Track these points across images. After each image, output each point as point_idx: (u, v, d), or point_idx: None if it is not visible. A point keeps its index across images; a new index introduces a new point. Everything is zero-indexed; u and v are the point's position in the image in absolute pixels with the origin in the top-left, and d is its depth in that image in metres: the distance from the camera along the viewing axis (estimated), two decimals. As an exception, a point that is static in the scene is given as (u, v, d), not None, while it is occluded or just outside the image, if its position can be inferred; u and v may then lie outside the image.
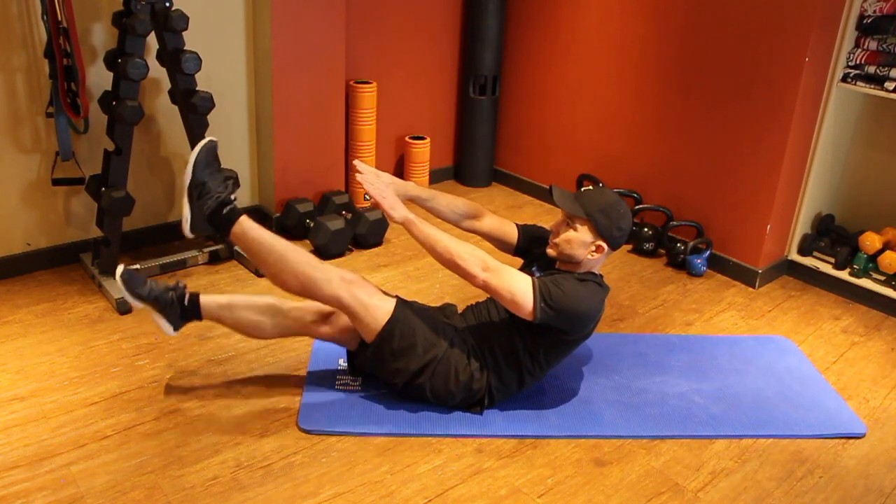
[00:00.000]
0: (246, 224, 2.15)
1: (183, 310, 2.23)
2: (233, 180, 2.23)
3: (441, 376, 2.19)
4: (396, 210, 2.15)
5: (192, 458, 2.05)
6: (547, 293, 2.06)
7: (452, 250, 2.07)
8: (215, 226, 2.16)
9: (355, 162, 2.34)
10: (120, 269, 2.21)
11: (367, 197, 3.79)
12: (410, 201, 2.41)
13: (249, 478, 1.99)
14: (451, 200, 2.45)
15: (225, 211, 2.15)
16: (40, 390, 2.29)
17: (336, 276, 2.14)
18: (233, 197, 2.19)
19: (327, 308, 2.28)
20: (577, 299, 2.10)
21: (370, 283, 2.21)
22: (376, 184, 2.21)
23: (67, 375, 2.37)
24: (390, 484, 2.01)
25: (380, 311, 2.15)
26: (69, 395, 2.28)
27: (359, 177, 2.21)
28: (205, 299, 2.25)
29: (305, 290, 2.14)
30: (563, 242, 2.21)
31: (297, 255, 2.14)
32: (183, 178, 2.16)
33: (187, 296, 2.24)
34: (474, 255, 2.07)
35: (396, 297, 2.24)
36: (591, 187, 2.28)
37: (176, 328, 2.25)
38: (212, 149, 2.21)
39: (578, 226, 2.19)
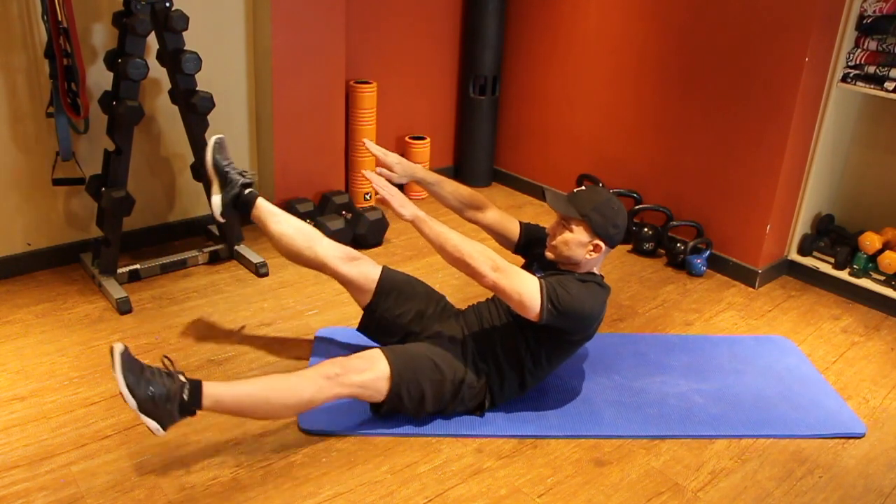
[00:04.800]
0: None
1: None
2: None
3: (443, 394, 2.19)
4: (406, 208, 2.11)
5: (192, 458, 2.05)
6: (554, 295, 2.06)
7: (462, 249, 2.05)
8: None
9: (364, 140, 2.38)
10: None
11: (368, 196, 3.82)
12: (416, 183, 2.43)
13: (249, 478, 1.99)
14: (456, 188, 2.44)
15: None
16: (40, 390, 2.29)
17: (321, 380, 2.01)
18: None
19: (354, 253, 2.37)
20: (581, 301, 2.10)
21: (350, 357, 2.09)
22: (384, 184, 2.18)
23: (67, 375, 2.37)
24: (390, 484, 2.01)
25: (378, 381, 2.07)
26: (69, 395, 2.28)
27: (367, 174, 2.19)
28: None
29: (308, 410, 2.07)
30: (560, 244, 2.21)
31: (276, 389, 2.01)
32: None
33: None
34: (484, 255, 2.05)
35: (386, 353, 2.11)
36: (584, 187, 2.28)
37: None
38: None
39: (574, 227, 2.18)
